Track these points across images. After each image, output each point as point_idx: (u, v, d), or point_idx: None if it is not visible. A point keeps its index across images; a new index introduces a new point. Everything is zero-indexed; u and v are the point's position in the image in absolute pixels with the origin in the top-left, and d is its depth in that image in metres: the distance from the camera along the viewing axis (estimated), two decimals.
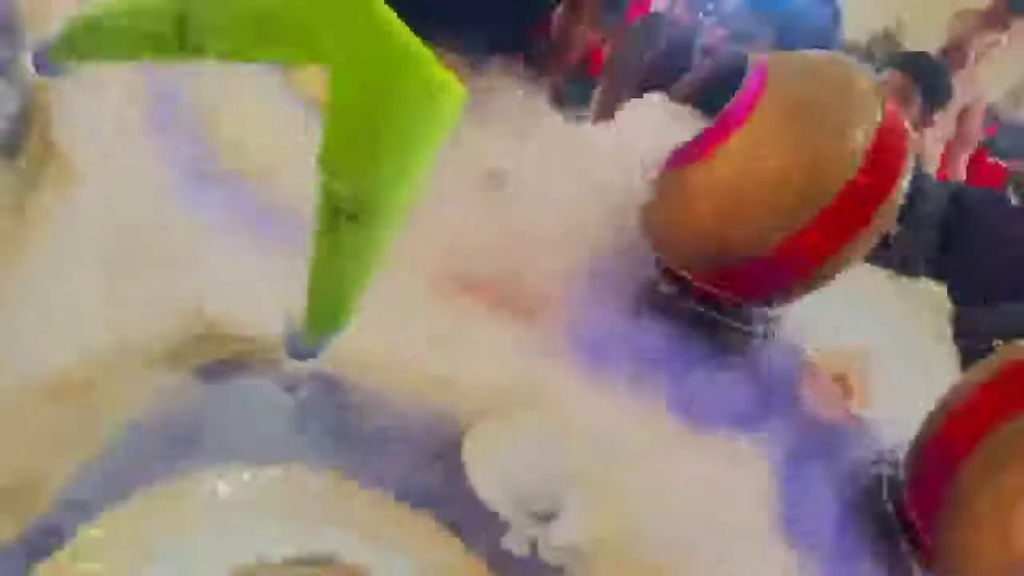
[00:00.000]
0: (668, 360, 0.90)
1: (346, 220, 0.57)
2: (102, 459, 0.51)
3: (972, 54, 2.44)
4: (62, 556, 0.44)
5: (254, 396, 0.63)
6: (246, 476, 0.51)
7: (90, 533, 0.44)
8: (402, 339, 0.73)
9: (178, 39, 0.57)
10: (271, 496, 0.48)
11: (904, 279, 1.31)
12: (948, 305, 1.27)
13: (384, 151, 0.55)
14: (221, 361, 0.64)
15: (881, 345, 1.19)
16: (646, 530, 0.65)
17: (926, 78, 1.56)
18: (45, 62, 0.64)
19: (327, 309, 0.64)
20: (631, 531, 0.64)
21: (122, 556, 0.42)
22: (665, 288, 1.02)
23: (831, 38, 1.69)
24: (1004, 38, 2.66)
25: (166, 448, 0.54)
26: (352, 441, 0.61)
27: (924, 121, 1.63)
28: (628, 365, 0.87)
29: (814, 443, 0.93)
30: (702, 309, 1.01)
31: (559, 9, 1.60)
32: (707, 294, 0.98)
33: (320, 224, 0.59)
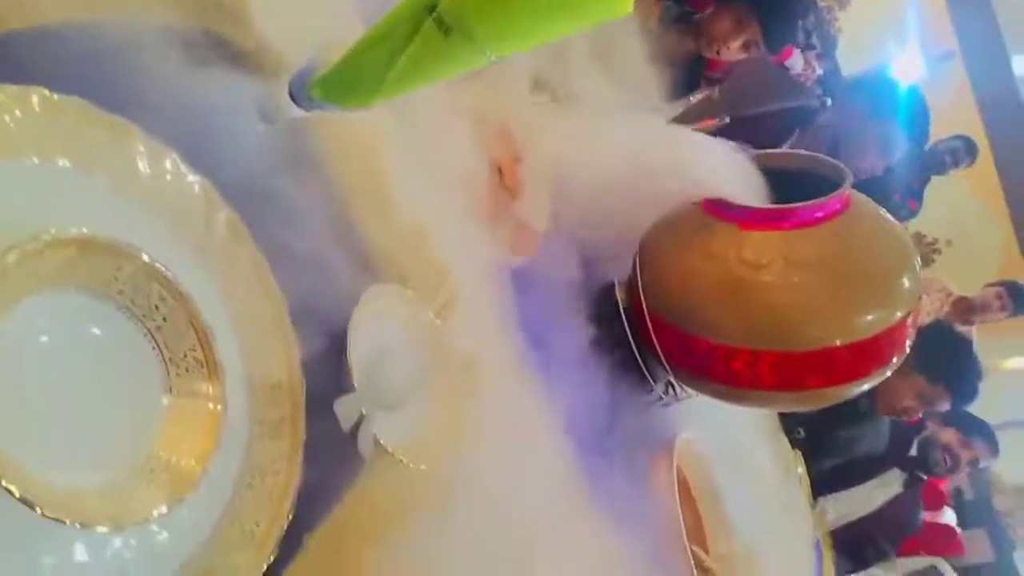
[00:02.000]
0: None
1: (432, 22, 0.50)
2: None
3: None
4: None
5: (231, 94, 0.56)
6: None
7: None
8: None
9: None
10: None
11: None
12: None
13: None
14: (218, 39, 0.56)
15: None
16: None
17: None
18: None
19: (350, 81, 0.56)
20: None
21: None
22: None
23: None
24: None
25: None
26: None
27: None
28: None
29: None
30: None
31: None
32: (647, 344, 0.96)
33: (404, 7, 0.52)
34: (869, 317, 0.89)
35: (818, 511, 1.82)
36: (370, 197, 0.64)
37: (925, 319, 2.09)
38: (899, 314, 0.90)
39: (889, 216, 0.97)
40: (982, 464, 2.34)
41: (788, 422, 1.82)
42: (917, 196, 3.33)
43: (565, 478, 0.81)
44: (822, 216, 0.91)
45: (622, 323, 1.01)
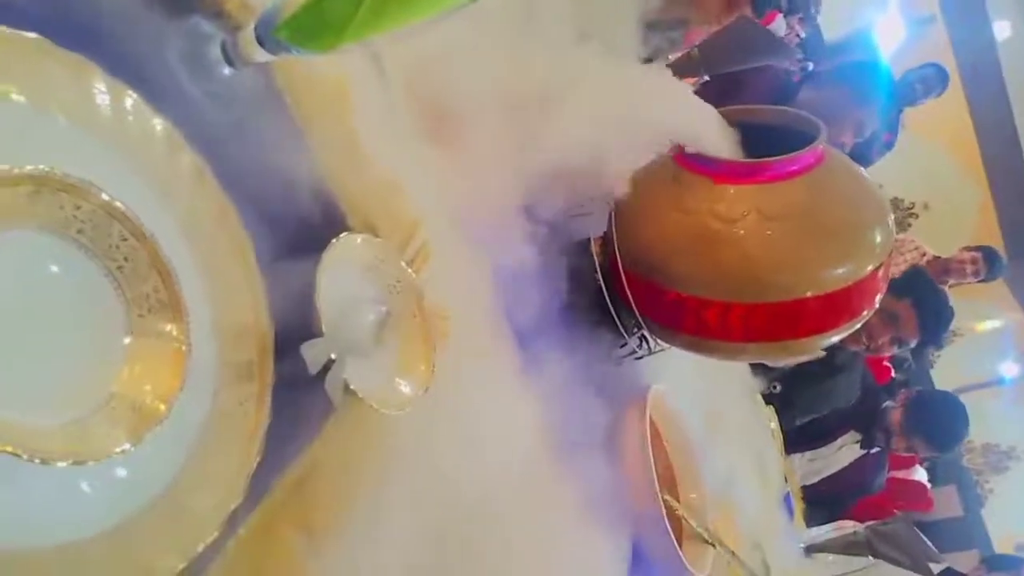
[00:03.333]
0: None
1: None
2: None
3: None
4: None
5: (195, 37, 0.54)
6: None
7: None
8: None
9: None
10: None
11: None
12: None
13: None
14: None
15: None
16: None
17: None
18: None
19: (318, 22, 0.55)
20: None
21: None
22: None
23: None
24: None
25: None
26: None
27: None
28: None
29: None
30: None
31: None
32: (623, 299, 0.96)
33: None
34: (840, 270, 0.90)
35: (787, 467, 1.85)
36: (340, 146, 0.64)
37: (896, 274, 2.11)
38: (870, 267, 0.91)
39: (862, 171, 0.97)
40: (920, 454, 2.39)
41: (765, 376, 1.85)
42: (892, 129, 3.31)
43: (533, 429, 0.81)
44: (796, 170, 0.91)
45: (596, 278, 1.01)
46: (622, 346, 1.03)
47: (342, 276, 0.60)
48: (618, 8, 1.08)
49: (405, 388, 0.62)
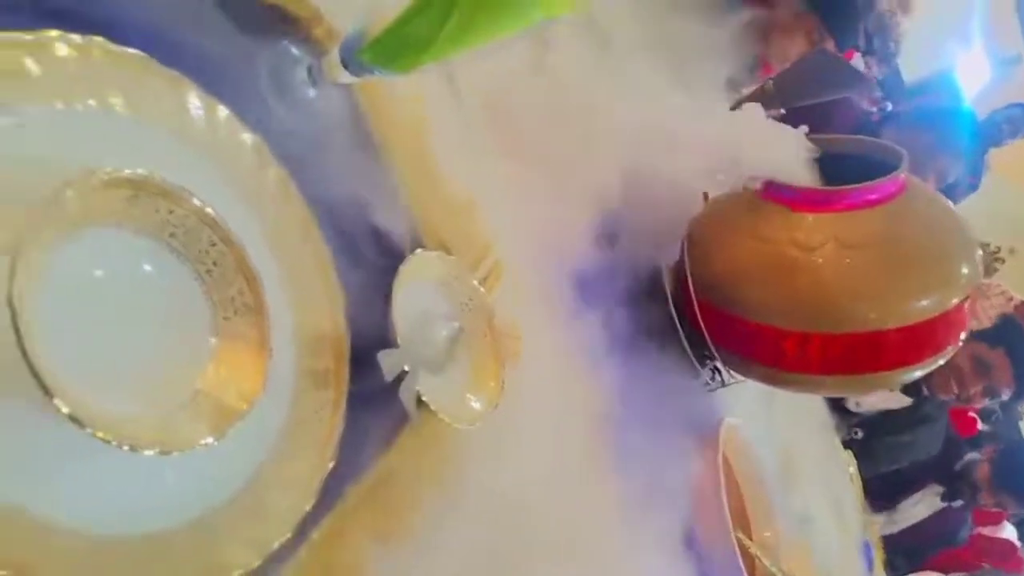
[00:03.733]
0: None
1: None
2: None
3: None
4: None
5: (284, 58, 0.57)
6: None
7: None
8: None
9: None
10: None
11: None
12: None
13: None
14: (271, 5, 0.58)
15: None
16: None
17: None
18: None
19: (401, 44, 0.57)
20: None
21: None
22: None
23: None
24: None
25: None
26: None
27: None
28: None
29: None
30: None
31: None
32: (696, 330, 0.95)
33: None
34: (923, 301, 0.87)
35: (868, 516, 1.78)
36: (416, 164, 0.65)
37: (986, 323, 2.03)
38: (955, 300, 0.88)
39: (947, 201, 0.95)
40: (1009, 511, 2.27)
41: (847, 421, 1.79)
42: (976, 171, 3.20)
43: (601, 457, 0.80)
44: (876, 199, 0.89)
45: (668, 308, 1.00)
46: (694, 377, 1.01)
47: (416, 291, 0.61)
48: (695, 39, 1.08)
49: (475, 404, 0.62)
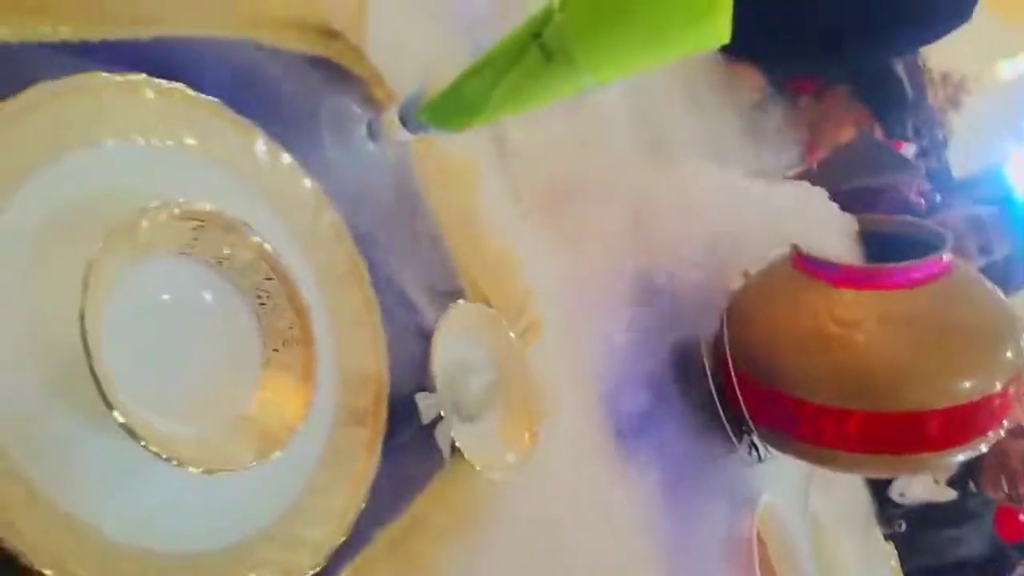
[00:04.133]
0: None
1: (536, 47, 0.54)
2: None
3: None
4: None
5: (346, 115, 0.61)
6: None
7: None
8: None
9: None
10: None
11: None
12: None
13: (623, 21, 0.51)
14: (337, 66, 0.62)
15: None
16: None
17: None
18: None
19: (455, 105, 0.60)
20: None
21: None
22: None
23: None
24: None
25: None
26: None
27: None
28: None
29: None
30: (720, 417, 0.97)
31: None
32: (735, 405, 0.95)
33: (511, 34, 0.56)
34: (965, 383, 0.86)
35: None
36: (462, 219, 0.68)
37: None
38: (998, 384, 0.87)
39: (992, 286, 0.94)
40: None
41: (890, 512, 1.74)
42: None
43: (628, 527, 0.80)
44: (919, 278, 0.89)
45: (707, 381, 1.00)
46: (732, 452, 1.00)
47: (455, 341, 0.62)
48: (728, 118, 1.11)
49: (508, 455, 0.63)
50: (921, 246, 0.92)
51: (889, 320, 0.87)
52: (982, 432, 0.89)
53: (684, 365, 0.99)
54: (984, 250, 1.71)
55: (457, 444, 0.57)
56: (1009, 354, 0.88)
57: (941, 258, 0.89)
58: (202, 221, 0.44)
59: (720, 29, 0.50)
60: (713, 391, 0.99)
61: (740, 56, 1.41)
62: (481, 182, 0.70)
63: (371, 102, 0.64)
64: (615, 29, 0.52)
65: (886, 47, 1.40)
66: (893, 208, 1.79)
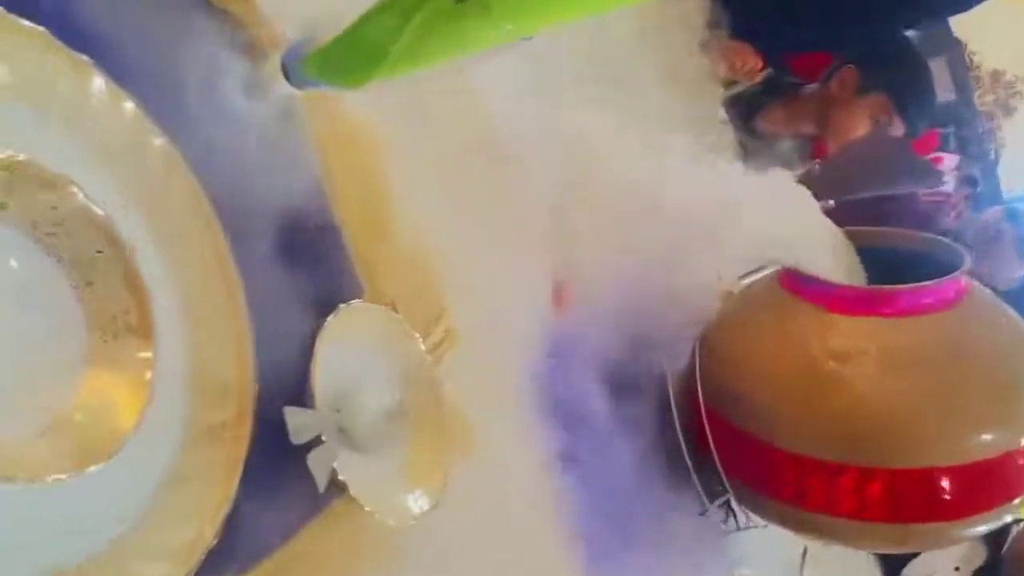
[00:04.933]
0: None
1: None
2: None
3: None
4: None
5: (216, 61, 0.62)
6: None
7: None
8: None
9: None
10: None
11: None
12: None
13: None
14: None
15: None
16: None
17: None
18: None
19: (349, 56, 0.62)
20: None
21: None
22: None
23: None
24: None
25: None
26: None
27: None
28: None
29: None
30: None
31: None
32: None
33: None
34: (985, 435, 0.89)
35: None
36: (363, 202, 0.69)
37: None
38: None
39: (1017, 316, 0.98)
40: None
41: None
42: None
43: None
44: (931, 303, 0.92)
45: (673, 423, 1.02)
46: (701, 514, 1.02)
47: (348, 350, 0.63)
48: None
49: (411, 497, 0.64)
50: (934, 264, 0.95)
51: (893, 354, 0.90)
52: (1007, 497, 0.91)
53: (645, 402, 1.01)
54: None
55: (341, 478, 0.58)
56: None
57: (957, 280, 0.92)
58: (8, 171, 0.45)
59: None
60: (680, 436, 1.01)
61: (734, 32, 1.46)
62: (391, 157, 0.71)
63: (249, 47, 0.65)
64: None
65: (894, 16, 1.45)
66: (907, 220, 1.84)
